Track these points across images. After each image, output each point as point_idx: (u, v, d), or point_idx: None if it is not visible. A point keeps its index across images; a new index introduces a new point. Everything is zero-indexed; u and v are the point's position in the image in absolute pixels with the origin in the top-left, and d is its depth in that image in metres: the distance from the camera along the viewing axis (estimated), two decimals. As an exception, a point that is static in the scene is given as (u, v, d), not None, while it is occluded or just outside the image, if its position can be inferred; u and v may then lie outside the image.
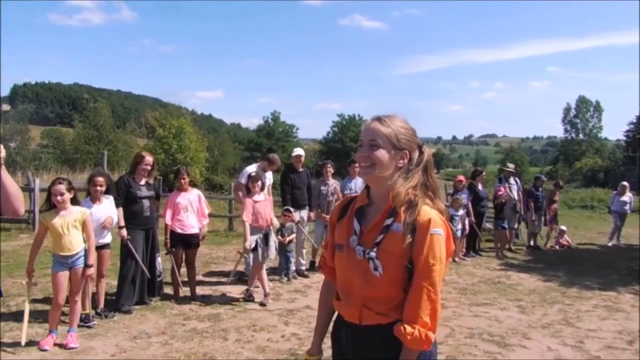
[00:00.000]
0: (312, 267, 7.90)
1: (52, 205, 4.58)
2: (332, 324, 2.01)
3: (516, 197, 10.65)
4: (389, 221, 1.76)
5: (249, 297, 6.21)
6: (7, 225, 10.41)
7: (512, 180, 10.83)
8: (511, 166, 11.35)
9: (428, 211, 1.74)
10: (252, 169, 7.24)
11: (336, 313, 1.98)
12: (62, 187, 4.49)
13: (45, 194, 10.65)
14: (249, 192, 6.40)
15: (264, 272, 6.25)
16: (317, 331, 2.11)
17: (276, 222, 6.61)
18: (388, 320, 1.74)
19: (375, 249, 1.74)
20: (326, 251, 2.06)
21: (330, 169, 8.07)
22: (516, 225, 11.15)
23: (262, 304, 6.02)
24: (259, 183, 6.32)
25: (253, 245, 6.13)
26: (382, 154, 1.77)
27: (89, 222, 4.67)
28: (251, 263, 6.44)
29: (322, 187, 7.89)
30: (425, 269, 1.67)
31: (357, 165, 8.42)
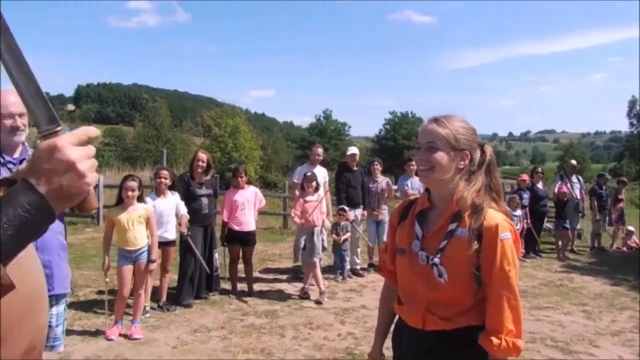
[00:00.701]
0: (370, 267, 7.87)
1: (119, 201, 4.80)
2: (392, 326, 1.99)
3: (579, 196, 10.21)
4: (452, 226, 1.71)
5: (304, 295, 6.26)
6: (74, 219, 10.94)
7: (574, 178, 10.38)
8: (573, 162, 10.89)
9: (494, 215, 1.68)
10: (304, 168, 7.27)
11: (397, 316, 1.95)
12: (135, 184, 4.73)
13: (109, 190, 11.02)
14: (303, 190, 6.45)
15: (318, 271, 6.28)
16: (378, 334, 2.09)
17: (327, 223, 6.62)
18: (452, 327, 1.71)
19: (439, 255, 1.71)
20: (386, 254, 2.03)
21: (378, 167, 8.01)
22: (579, 225, 10.68)
23: (318, 302, 6.04)
24: (314, 183, 6.36)
25: (302, 244, 6.19)
26: (441, 156, 1.73)
27: (152, 219, 4.85)
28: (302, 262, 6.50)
29: (371, 185, 7.84)
30: (502, 276, 1.62)
31: (412, 163, 8.31)
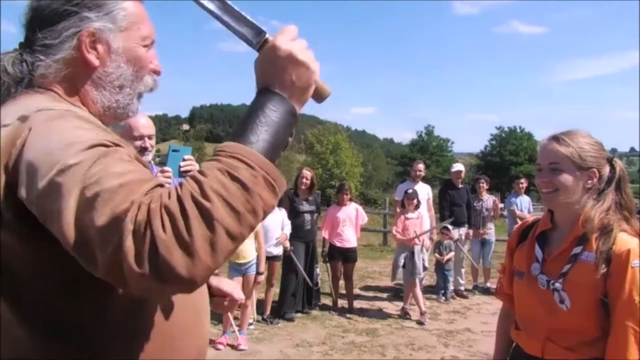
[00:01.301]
0: (475, 289, 7.58)
1: None
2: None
3: None
4: (577, 249, 1.60)
5: (405, 315, 6.15)
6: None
7: None
8: None
9: (626, 240, 1.55)
10: (405, 185, 7.20)
11: (514, 344, 1.85)
12: None
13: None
14: (404, 207, 6.39)
15: (419, 290, 6.15)
16: None
17: (427, 242, 6.48)
18: (577, 357, 1.59)
19: (561, 280, 1.60)
20: (504, 276, 1.95)
21: (485, 185, 7.70)
22: None
23: (419, 322, 5.91)
24: (415, 201, 6.28)
25: (402, 262, 6.12)
26: (566, 178, 1.62)
27: (260, 233, 5.06)
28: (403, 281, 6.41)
29: (476, 203, 7.55)
30: (629, 306, 1.50)
31: (521, 181, 7.88)
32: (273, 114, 0.83)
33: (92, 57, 0.96)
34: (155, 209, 0.70)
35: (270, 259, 5.70)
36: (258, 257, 5.05)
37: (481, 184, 7.73)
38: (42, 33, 0.94)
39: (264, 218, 0.78)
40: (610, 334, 1.53)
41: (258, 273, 5.04)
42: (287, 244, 5.87)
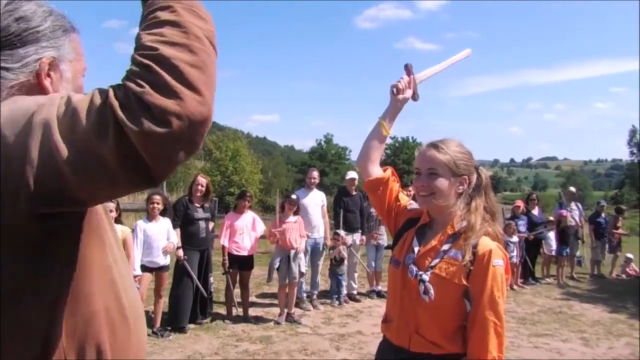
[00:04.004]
0: (371, 293, 7.83)
1: None
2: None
3: (578, 223, 10.19)
4: (446, 246, 1.74)
5: (293, 320, 6.21)
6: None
7: (572, 205, 10.38)
8: (572, 189, 10.91)
9: (488, 242, 1.71)
10: (300, 192, 7.26)
11: (382, 338, 1.95)
12: (112, 205, 4.63)
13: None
14: (283, 211, 6.47)
15: (288, 294, 6.28)
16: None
17: (302, 247, 6.54)
18: (440, 352, 1.70)
19: (428, 272, 1.72)
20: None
21: None
22: (578, 252, 10.64)
23: (276, 322, 6.03)
24: (295, 207, 6.40)
25: (277, 265, 6.21)
26: (442, 183, 1.77)
27: (129, 241, 4.86)
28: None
29: (372, 210, 7.84)
30: (491, 301, 1.63)
31: (410, 189, 8.26)
32: None
33: (47, 84, 1.00)
34: (123, 81, 0.79)
35: (158, 269, 5.50)
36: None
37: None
38: (1, 54, 0.96)
39: (212, 41, 0.87)
40: (471, 327, 1.66)
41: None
42: (180, 253, 5.69)
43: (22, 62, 0.97)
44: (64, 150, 0.77)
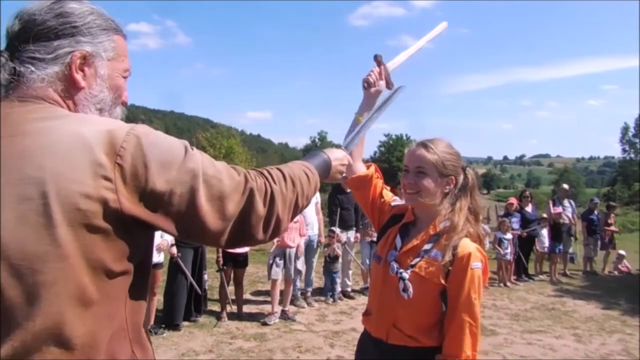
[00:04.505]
0: (365, 290, 7.82)
1: None
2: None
3: (571, 220, 10.25)
4: (428, 246, 1.77)
5: (287, 317, 6.21)
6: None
7: (565, 202, 10.44)
8: (565, 186, 10.96)
9: (468, 244, 1.73)
10: None
11: (363, 331, 1.99)
12: None
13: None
14: None
15: (277, 290, 6.27)
16: None
17: (302, 246, 6.56)
18: (416, 345, 1.74)
19: (409, 271, 1.75)
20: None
21: None
22: (571, 249, 10.70)
23: (264, 323, 5.98)
24: None
25: (270, 262, 6.22)
26: (429, 182, 1.79)
27: None
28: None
29: (366, 206, 7.85)
30: (467, 303, 1.67)
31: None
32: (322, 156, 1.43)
33: (79, 78, 1.04)
34: (261, 188, 1.11)
35: (152, 267, 5.48)
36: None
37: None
38: (34, 46, 1.00)
39: (306, 205, 1.28)
40: (448, 327, 1.69)
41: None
42: (174, 250, 5.68)
43: (54, 53, 1.01)
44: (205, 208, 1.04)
